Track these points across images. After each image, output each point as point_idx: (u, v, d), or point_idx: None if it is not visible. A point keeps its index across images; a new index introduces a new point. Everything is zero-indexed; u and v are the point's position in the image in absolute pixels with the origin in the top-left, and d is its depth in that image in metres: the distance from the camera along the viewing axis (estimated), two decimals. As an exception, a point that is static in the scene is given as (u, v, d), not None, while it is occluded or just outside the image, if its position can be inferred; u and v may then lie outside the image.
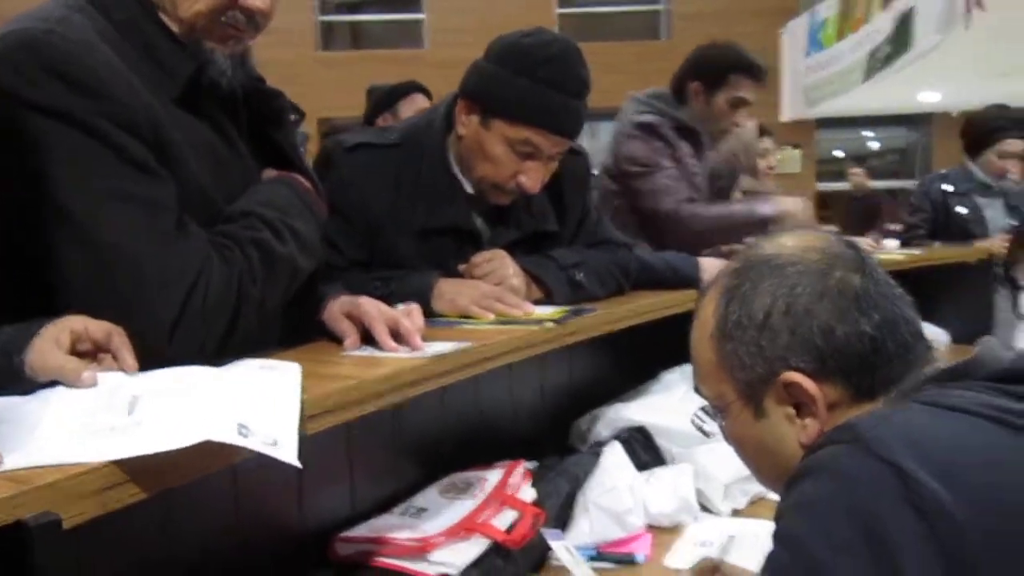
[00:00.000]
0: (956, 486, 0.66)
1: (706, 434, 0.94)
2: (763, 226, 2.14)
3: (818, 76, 8.66)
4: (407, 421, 1.37)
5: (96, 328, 0.86)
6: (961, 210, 3.43)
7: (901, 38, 6.45)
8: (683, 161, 2.29)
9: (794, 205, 2.28)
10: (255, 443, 0.70)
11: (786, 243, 0.88)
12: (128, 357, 0.85)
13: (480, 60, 1.46)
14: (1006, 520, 0.66)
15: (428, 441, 1.42)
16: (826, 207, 11.45)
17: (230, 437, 0.68)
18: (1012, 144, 3.31)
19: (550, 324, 1.32)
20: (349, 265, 1.44)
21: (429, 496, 1.31)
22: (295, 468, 1.11)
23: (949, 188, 3.50)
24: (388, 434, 1.35)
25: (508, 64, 1.41)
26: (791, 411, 0.83)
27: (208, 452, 0.69)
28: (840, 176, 11.92)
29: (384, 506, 1.28)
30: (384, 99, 2.68)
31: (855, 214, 8.63)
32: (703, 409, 0.94)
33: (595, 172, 1.96)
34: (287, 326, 1.18)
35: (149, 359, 0.87)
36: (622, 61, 8.92)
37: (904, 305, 0.85)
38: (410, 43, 9.91)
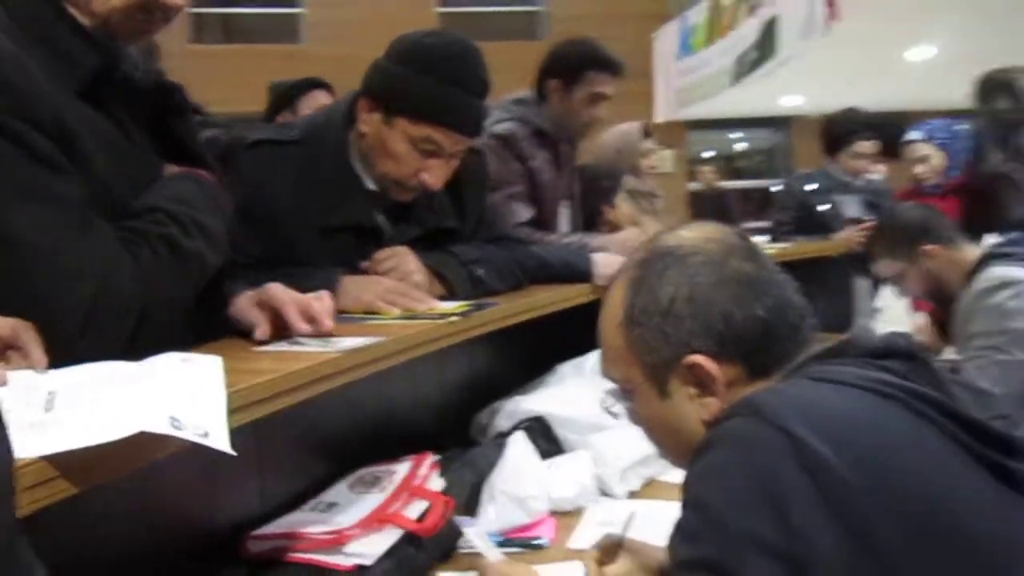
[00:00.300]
0: (841, 448, 0.74)
1: (614, 415, 1.00)
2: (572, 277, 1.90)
3: (689, 79, 9.01)
4: (313, 418, 1.37)
5: (3, 325, 0.83)
6: (822, 207, 3.68)
7: (766, 45, 6.80)
8: (536, 173, 2.32)
9: (612, 261, 1.89)
10: (188, 434, 0.71)
11: (686, 235, 0.95)
12: (37, 353, 0.83)
13: (381, 59, 1.48)
14: (885, 476, 0.74)
15: (334, 438, 1.43)
16: (697, 205, 11.97)
17: (165, 428, 0.69)
18: (863, 146, 3.59)
19: (455, 318, 1.35)
20: (249, 263, 1.43)
21: (338, 491, 1.32)
22: (203, 467, 1.11)
23: (812, 187, 3.74)
24: (295, 431, 1.35)
25: (411, 63, 1.43)
26: (694, 391, 0.90)
27: (138, 446, 0.69)
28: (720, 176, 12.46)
29: (293, 503, 1.28)
30: (284, 96, 2.63)
31: (705, 212, 9.02)
32: (610, 392, 0.99)
33: None
34: (195, 322, 1.17)
35: (59, 356, 0.85)
36: (501, 61, 8.95)
37: (791, 290, 0.93)
38: (287, 38, 9.69)
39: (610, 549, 1.12)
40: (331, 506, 1.26)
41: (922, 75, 7.70)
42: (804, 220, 3.69)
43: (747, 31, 7.35)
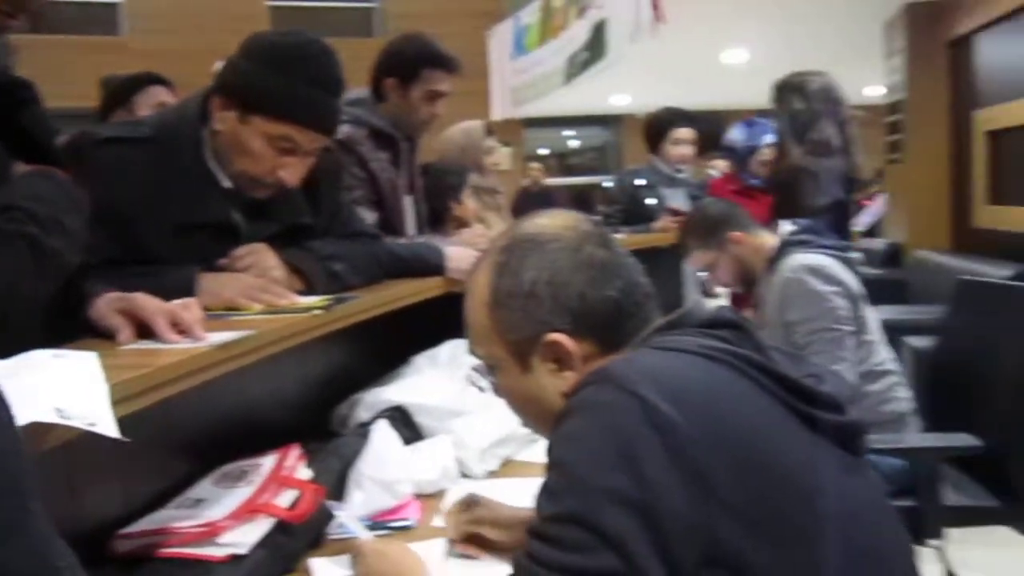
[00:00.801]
0: (684, 408, 0.84)
1: (480, 389, 1.09)
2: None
3: (523, 78, 9.21)
4: (173, 417, 1.36)
5: None
6: (650, 201, 3.91)
7: (597, 46, 7.07)
8: (377, 175, 2.33)
9: (462, 255, 1.97)
10: (77, 423, 0.73)
11: (546, 223, 1.04)
12: None
13: (236, 57, 1.48)
14: (717, 428, 0.85)
15: (196, 436, 1.43)
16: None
17: (53, 418, 0.70)
18: (681, 132, 3.85)
19: (318, 311, 1.39)
20: (101, 262, 1.40)
21: (204, 488, 1.33)
22: (61, 469, 1.10)
23: (640, 182, 3.97)
24: (155, 430, 1.33)
25: (267, 62, 1.45)
26: (553, 366, 0.99)
27: (28, 437, 0.70)
28: (548, 173, 12.81)
29: (158, 502, 1.27)
30: (118, 92, 2.53)
31: (532, 207, 9.32)
32: (476, 368, 1.09)
33: None
34: (52, 322, 1.16)
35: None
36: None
37: (637, 272, 1.04)
38: (105, 30, 9.17)
39: (467, 504, 1.21)
40: (198, 502, 1.27)
41: (736, 76, 8.27)
42: (632, 213, 3.90)
43: (578, 32, 7.60)
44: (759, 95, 3.27)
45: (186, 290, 1.38)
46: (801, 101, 3.03)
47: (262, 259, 1.51)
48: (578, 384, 0.93)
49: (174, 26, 8.55)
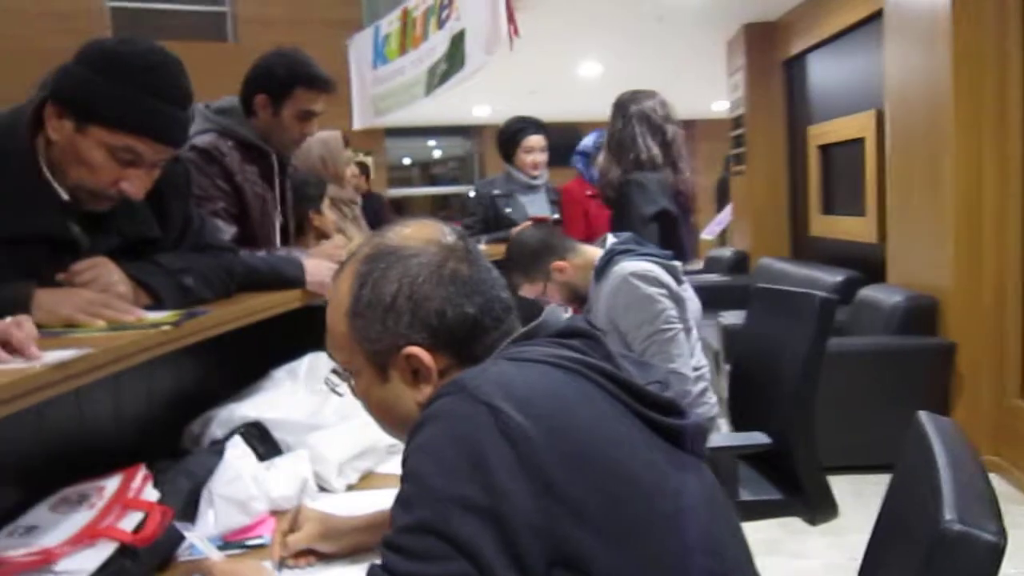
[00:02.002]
0: (533, 416, 0.88)
1: (339, 394, 1.09)
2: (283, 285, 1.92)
3: (384, 88, 9.15)
4: (3, 439, 1.29)
5: None
6: (508, 210, 3.96)
7: (455, 57, 7.11)
8: (242, 188, 2.25)
9: (321, 267, 1.97)
10: None
11: (410, 235, 1.05)
12: None
13: (71, 64, 1.41)
14: (563, 434, 0.89)
15: (29, 461, 1.35)
16: (399, 211, 12.24)
17: None
18: (532, 139, 3.93)
19: (167, 327, 1.34)
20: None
21: (38, 514, 1.26)
22: None
23: (496, 191, 4.02)
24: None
25: (106, 71, 1.38)
26: (410, 377, 1.01)
27: None
28: (407, 182, 12.79)
29: (-14, 532, 1.21)
30: None
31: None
32: (334, 371, 1.08)
33: None
34: None
35: None
36: (188, 61, 8.53)
37: (499, 287, 1.07)
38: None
39: (293, 519, 1.21)
40: (31, 529, 1.21)
41: (591, 89, 8.52)
42: (491, 222, 3.95)
43: (437, 42, 7.62)
44: (608, 108, 3.38)
45: (20, 306, 1.30)
46: (620, 121, 3.17)
47: (104, 273, 1.45)
48: (433, 395, 0.95)
49: (3, 26, 8.00)
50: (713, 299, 4.44)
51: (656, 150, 3.06)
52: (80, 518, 1.24)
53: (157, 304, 1.52)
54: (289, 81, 2.25)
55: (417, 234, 1.05)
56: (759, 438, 2.24)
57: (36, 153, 1.43)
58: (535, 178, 3.98)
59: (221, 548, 1.37)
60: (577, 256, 2.44)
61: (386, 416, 1.06)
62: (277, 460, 1.61)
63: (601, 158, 3.66)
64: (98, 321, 1.34)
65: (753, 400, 2.52)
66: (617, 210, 3.13)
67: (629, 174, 3.05)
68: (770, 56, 6.34)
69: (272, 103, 2.27)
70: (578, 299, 2.46)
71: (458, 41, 7.07)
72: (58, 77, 1.41)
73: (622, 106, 3.17)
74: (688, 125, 11.91)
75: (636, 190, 3.00)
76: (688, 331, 2.33)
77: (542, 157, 3.97)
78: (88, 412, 1.51)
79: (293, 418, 1.70)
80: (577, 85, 8.49)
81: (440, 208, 12.67)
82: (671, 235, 3.01)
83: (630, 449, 0.94)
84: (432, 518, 0.85)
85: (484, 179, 6.73)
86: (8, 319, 1.14)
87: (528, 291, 2.50)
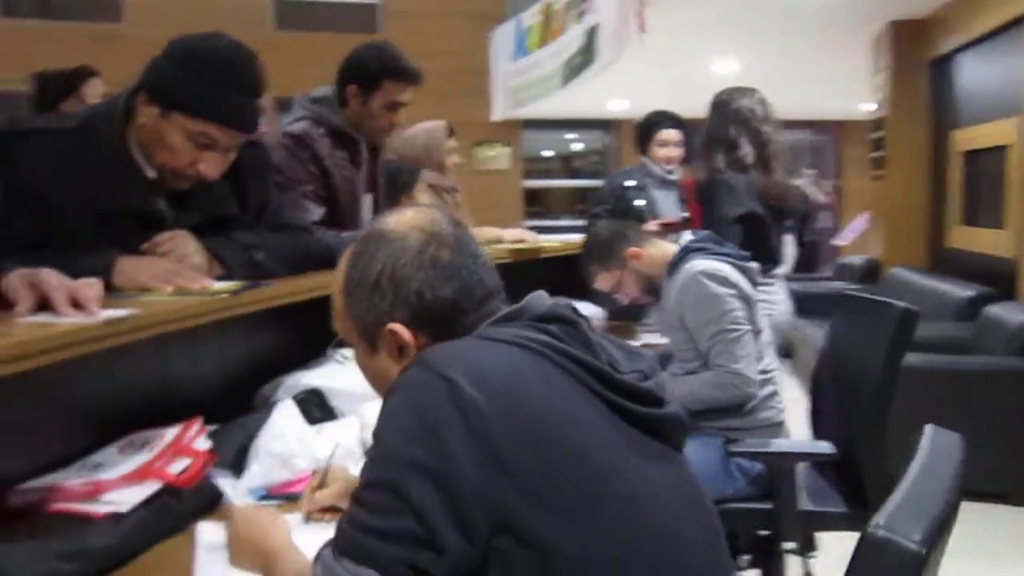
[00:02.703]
0: (485, 389, 0.94)
1: (339, 362, 1.21)
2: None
3: (523, 79, 9.32)
4: (83, 385, 1.47)
5: None
6: (639, 202, 3.93)
7: (588, 50, 7.18)
8: (330, 172, 2.40)
9: None
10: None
11: (400, 221, 1.14)
12: None
13: (159, 57, 1.58)
14: (515, 409, 0.95)
15: (107, 405, 1.53)
16: (536, 202, 12.38)
17: None
18: (666, 133, 3.86)
19: (225, 295, 1.49)
20: (23, 243, 1.50)
21: (107, 454, 1.43)
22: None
23: (630, 183, 3.98)
24: (66, 397, 1.44)
25: (188, 65, 1.55)
26: (395, 351, 1.10)
27: None
28: (547, 174, 12.92)
29: (63, 464, 1.39)
30: (61, 83, 2.65)
31: None
32: (336, 343, 1.21)
33: None
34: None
35: None
36: (339, 51, 8.96)
37: (483, 272, 1.13)
38: (107, 17, 9.28)
39: (322, 477, 1.31)
40: (97, 466, 1.38)
41: (726, 85, 8.34)
42: (618, 212, 3.94)
43: (574, 36, 7.71)
44: None
45: (104, 272, 1.48)
46: (716, 119, 3.13)
47: (181, 244, 1.62)
48: (404, 367, 1.03)
49: (174, 17, 8.65)
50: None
51: (748, 149, 3.01)
52: (138, 459, 1.40)
53: (228, 275, 1.67)
54: (378, 73, 2.40)
55: (407, 221, 1.14)
56: (823, 447, 2.20)
57: (127, 136, 1.61)
58: (670, 172, 3.91)
59: (263, 499, 1.51)
60: (653, 248, 2.45)
61: (379, 384, 1.15)
62: (328, 424, 1.74)
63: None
64: (167, 287, 1.50)
65: (827, 409, 2.46)
66: (705, 210, 3.11)
67: (719, 174, 3.02)
68: (917, 55, 6.03)
69: (362, 93, 2.42)
70: (654, 292, 2.47)
71: (592, 35, 7.13)
72: (148, 69, 1.59)
73: (719, 104, 3.14)
74: (835, 127, 11.49)
75: (723, 191, 2.97)
76: (758, 333, 2.31)
77: (676, 152, 3.88)
78: (168, 370, 1.69)
79: (349, 388, 1.82)
80: (714, 82, 8.33)
81: (579, 201, 12.72)
82: (758, 238, 2.97)
83: (586, 430, 0.99)
84: (388, 476, 0.94)
85: (619, 170, 6.71)
86: (82, 280, 1.30)
87: (604, 281, 2.52)
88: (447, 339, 1.08)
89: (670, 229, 3.14)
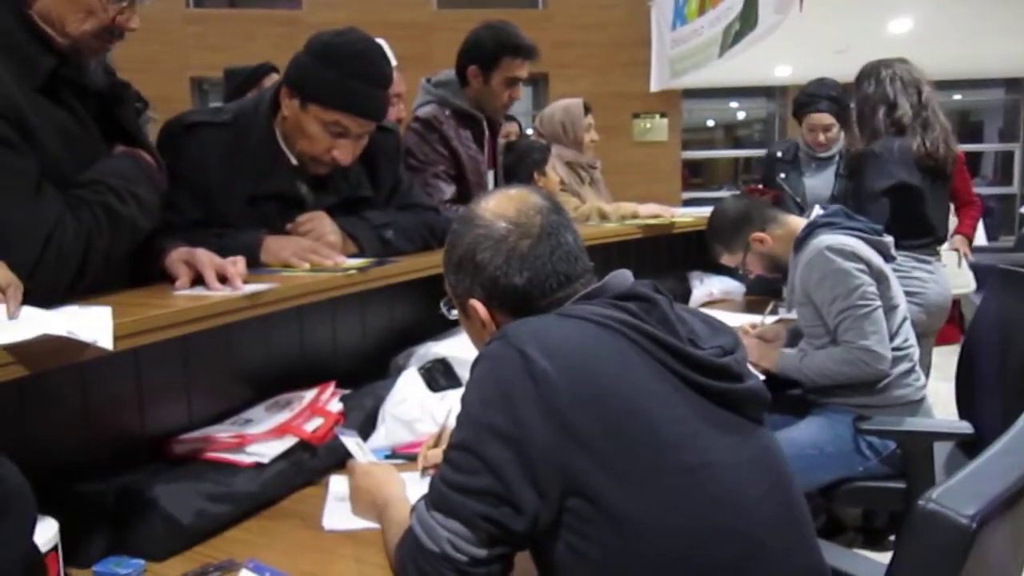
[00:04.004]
0: (558, 363, 1.02)
1: (451, 318, 1.32)
2: None
3: (682, 49, 9.16)
4: (238, 351, 1.67)
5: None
6: (783, 175, 3.83)
7: (748, 16, 6.97)
8: (458, 152, 2.54)
9: None
10: (83, 337, 1.01)
11: (487, 208, 1.22)
12: (12, 305, 1.07)
13: (300, 53, 1.75)
14: (586, 381, 1.03)
15: (257, 368, 1.72)
16: (696, 173, 12.15)
17: (63, 333, 0.99)
18: (817, 117, 3.63)
19: (353, 272, 1.64)
20: (189, 224, 1.71)
21: (256, 411, 1.62)
22: (133, 381, 1.41)
23: (780, 154, 3.87)
24: (221, 361, 1.64)
25: (322, 58, 1.70)
26: (479, 321, 1.20)
27: (51, 349, 1.00)
28: (709, 144, 12.64)
29: (218, 419, 1.58)
30: (247, 80, 2.95)
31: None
32: (446, 301, 1.33)
33: None
34: (132, 273, 1.48)
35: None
36: (499, 29, 9.13)
37: (561, 262, 1.18)
38: (287, 4, 9.88)
39: (438, 436, 1.44)
40: (247, 422, 1.57)
41: (902, 46, 7.84)
42: (768, 184, 3.87)
43: (734, 1, 7.50)
44: (926, 66, 3.17)
45: (251, 249, 1.67)
46: (871, 84, 2.98)
47: (320, 224, 1.78)
48: (489, 339, 1.13)
49: (346, 1, 9.11)
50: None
51: (907, 108, 2.90)
52: (281, 417, 1.58)
53: (360, 253, 1.83)
54: (496, 51, 2.53)
55: (499, 207, 1.21)
56: (960, 426, 2.12)
57: (274, 126, 1.78)
58: (824, 150, 3.73)
59: (388, 457, 1.66)
60: (779, 227, 2.42)
61: (477, 344, 1.26)
62: (451, 392, 1.87)
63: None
64: (305, 264, 1.67)
65: (976, 388, 2.36)
66: (854, 183, 3.00)
67: (877, 136, 2.92)
68: (1117, 3, 5.46)
69: (482, 72, 2.56)
70: (779, 269, 2.45)
71: (752, 0, 6.91)
72: (289, 65, 1.75)
73: (872, 71, 3.02)
74: (1020, 85, 10.52)
75: (871, 162, 2.86)
76: (892, 309, 2.24)
77: (826, 136, 3.66)
78: (310, 337, 1.87)
79: (473, 358, 1.94)
80: (886, 43, 7.85)
81: (742, 171, 12.38)
82: (909, 210, 2.84)
83: (657, 403, 1.05)
84: (470, 439, 1.04)
85: (783, 140, 6.40)
86: (230, 258, 1.48)
87: (728, 260, 2.53)
88: (524, 316, 1.15)
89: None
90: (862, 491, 2.19)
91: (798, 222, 2.39)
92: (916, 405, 2.27)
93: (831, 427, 2.19)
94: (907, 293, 2.51)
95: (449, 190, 2.50)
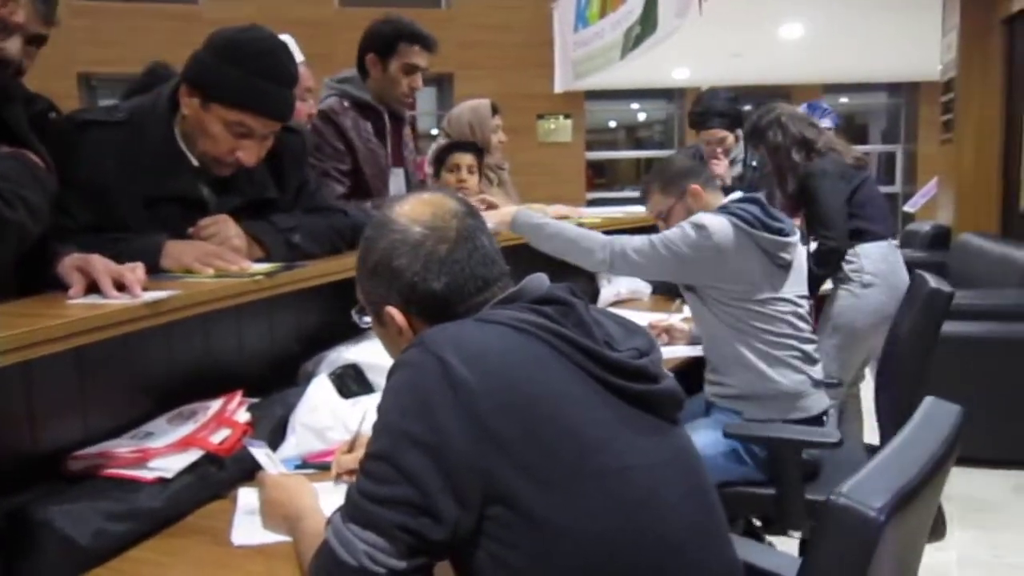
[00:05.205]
0: (477, 368, 1.01)
1: (363, 326, 1.29)
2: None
3: (584, 51, 9.27)
4: (136, 360, 1.59)
5: None
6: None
7: (648, 20, 7.10)
8: (354, 145, 2.55)
9: None
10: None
11: (405, 212, 1.20)
12: None
13: (200, 50, 1.68)
14: (505, 386, 1.02)
15: (158, 378, 1.65)
16: (600, 174, 12.34)
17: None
18: (711, 133, 3.81)
19: (260, 277, 1.59)
20: (83, 229, 1.63)
21: (157, 424, 1.55)
22: (24, 394, 1.33)
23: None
24: (121, 372, 1.57)
25: (225, 56, 1.64)
26: (396, 328, 1.18)
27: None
28: (612, 145, 12.85)
29: (117, 433, 1.51)
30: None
31: None
32: (358, 308, 1.29)
33: None
34: (21, 280, 1.39)
35: None
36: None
37: (481, 266, 1.17)
38: (184, -1, 9.56)
39: (352, 443, 1.41)
40: (148, 435, 1.50)
41: (793, 51, 8.17)
42: None
43: (634, 5, 7.63)
44: (816, 69, 3.46)
45: (151, 254, 1.60)
46: (778, 133, 3.21)
47: (223, 228, 1.72)
48: (407, 345, 1.11)
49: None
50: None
51: (814, 137, 3.20)
52: (185, 429, 1.52)
53: (267, 257, 1.77)
54: (393, 38, 2.57)
55: (413, 211, 1.19)
56: (828, 434, 2.10)
57: (172, 126, 1.71)
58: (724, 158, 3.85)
59: (298, 467, 1.61)
60: (712, 196, 2.40)
61: (392, 353, 1.24)
62: (363, 398, 1.83)
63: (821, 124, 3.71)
64: (208, 269, 1.60)
65: (880, 391, 2.44)
66: (807, 208, 3.19)
67: (796, 176, 3.15)
68: (988, 14, 5.80)
69: (380, 60, 2.59)
70: None
71: (652, 4, 7.05)
72: (189, 62, 1.68)
73: (769, 122, 3.26)
74: (911, 88, 11.11)
75: (819, 181, 3.09)
76: (759, 300, 2.24)
77: (723, 148, 3.80)
78: (215, 345, 1.81)
79: (386, 363, 1.90)
80: (779, 46, 8.17)
81: (643, 172, 12.63)
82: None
83: (576, 407, 1.05)
84: (387, 447, 1.02)
85: (686, 147, 6.55)
86: (128, 264, 1.42)
87: (655, 204, 2.46)
88: (442, 322, 1.14)
89: None
90: (736, 496, 2.15)
91: (720, 201, 2.38)
92: (795, 398, 2.24)
93: (715, 430, 2.19)
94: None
95: (338, 189, 2.52)
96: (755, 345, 2.25)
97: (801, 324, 2.30)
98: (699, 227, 2.21)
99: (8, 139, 1.43)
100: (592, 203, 9.70)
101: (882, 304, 3.06)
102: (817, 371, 2.32)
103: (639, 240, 2.29)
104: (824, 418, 2.33)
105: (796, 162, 3.20)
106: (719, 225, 2.21)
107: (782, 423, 2.21)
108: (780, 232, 2.23)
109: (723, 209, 2.28)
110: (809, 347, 2.31)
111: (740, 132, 3.78)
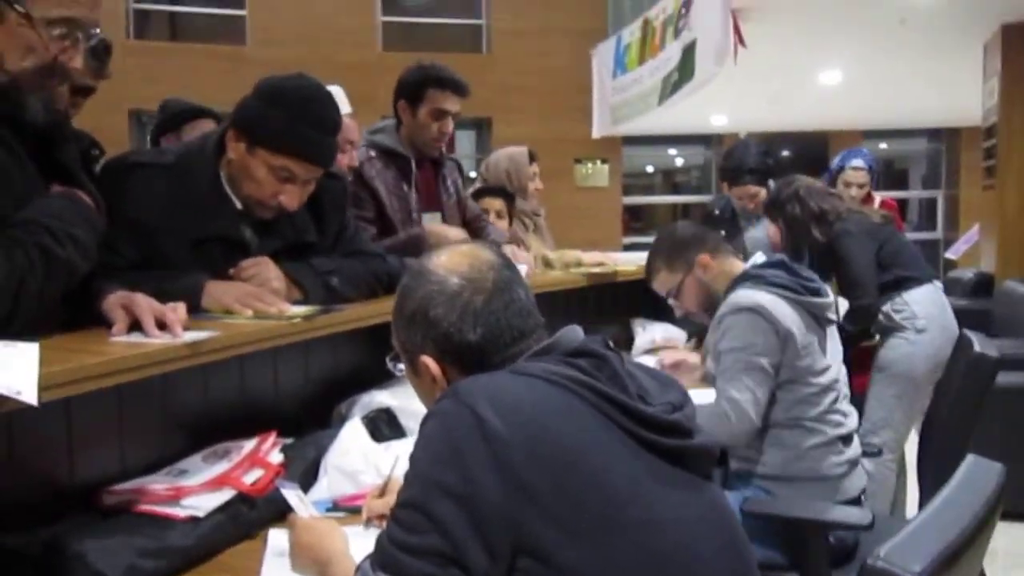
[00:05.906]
0: (510, 421, 1.01)
1: (398, 372, 1.29)
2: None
3: (622, 96, 9.34)
4: (174, 398, 1.62)
5: None
6: (723, 232, 3.90)
7: (686, 67, 7.14)
8: (378, 192, 2.58)
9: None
10: (3, 390, 0.96)
11: (442, 263, 1.21)
12: None
13: (248, 96, 1.73)
14: (538, 439, 1.02)
15: (194, 416, 1.67)
16: (637, 218, 12.35)
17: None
18: (743, 189, 3.77)
19: (297, 320, 1.61)
20: (128, 267, 1.66)
21: (192, 461, 1.57)
22: (64, 427, 1.35)
23: (716, 212, 3.99)
24: (156, 408, 1.59)
25: (272, 102, 1.69)
26: (430, 377, 1.18)
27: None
28: (649, 190, 12.87)
29: (152, 469, 1.53)
30: (171, 121, 2.87)
31: None
32: (392, 355, 1.30)
33: None
34: (67, 316, 1.43)
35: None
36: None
37: (517, 317, 1.18)
38: (232, 39, 9.82)
39: (384, 488, 1.41)
40: (183, 472, 1.52)
41: (831, 97, 8.16)
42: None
43: (672, 52, 7.69)
44: (854, 114, 3.48)
45: (193, 294, 1.63)
46: (796, 206, 3.24)
47: (263, 270, 1.75)
48: (441, 395, 1.11)
49: (292, 38, 9.09)
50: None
51: (832, 208, 3.24)
52: (219, 468, 1.53)
53: (305, 300, 1.80)
54: (422, 83, 2.60)
55: (451, 262, 1.20)
56: (859, 516, 1.93)
57: (219, 169, 1.76)
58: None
59: (330, 511, 1.62)
60: (725, 262, 2.30)
61: (425, 401, 1.24)
62: (395, 443, 1.84)
63: (851, 164, 3.99)
64: (248, 311, 1.63)
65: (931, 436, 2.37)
66: (837, 267, 3.18)
67: (836, 225, 3.17)
68: (1031, 62, 5.77)
69: (410, 106, 2.63)
70: (710, 308, 2.29)
71: (689, 51, 7.10)
72: (237, 107, 1.73)
73: (788, 196, 3.28)
74: (951, 133, 11.00)
75: (845, 241, 3.12)
76: (812, 374, 2.14)
77: (754, 203, 3.73)
78: (250, 384, 1.83)
79: (419, 408, 1.91)
80: (818, 92, 8.16)
81: (680, 217, 12.62)
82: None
83: (607, 460, 1.05)
84: (419, 497, 1.02)
85: (718, 196, 6.49)
86: (170, 304, 1.44)
87: (664, 282, 2.36)
88: (477, 372, 1.14)
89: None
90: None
91: (739, 265, 2.31)
92: (835, 481, 2.14)
93: (735, 505, 2.10)
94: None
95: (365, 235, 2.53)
96: (796, 422, 2.14)
97: (844, 389, 2.23)
98: (757, 313, 2.09)
99: (61, 178, 1.47)
100: (628, 247, 9.69)
101: (938, 348, 3.03)
102: (855, 448, 2.22)
103: (728, 363, 2.11)
104: (862, 497, 2.22)
105: (816, 237, 3.22)
106: (771, 303, 2.11)
107: (807, 500, 2.06)
108: (818, 293, 2.18)
109: (756, 281, 2.17)
110: (850, 421, 2.22)
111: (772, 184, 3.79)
